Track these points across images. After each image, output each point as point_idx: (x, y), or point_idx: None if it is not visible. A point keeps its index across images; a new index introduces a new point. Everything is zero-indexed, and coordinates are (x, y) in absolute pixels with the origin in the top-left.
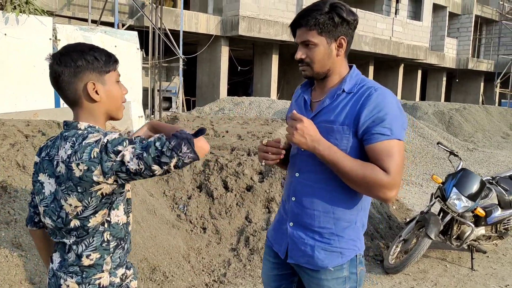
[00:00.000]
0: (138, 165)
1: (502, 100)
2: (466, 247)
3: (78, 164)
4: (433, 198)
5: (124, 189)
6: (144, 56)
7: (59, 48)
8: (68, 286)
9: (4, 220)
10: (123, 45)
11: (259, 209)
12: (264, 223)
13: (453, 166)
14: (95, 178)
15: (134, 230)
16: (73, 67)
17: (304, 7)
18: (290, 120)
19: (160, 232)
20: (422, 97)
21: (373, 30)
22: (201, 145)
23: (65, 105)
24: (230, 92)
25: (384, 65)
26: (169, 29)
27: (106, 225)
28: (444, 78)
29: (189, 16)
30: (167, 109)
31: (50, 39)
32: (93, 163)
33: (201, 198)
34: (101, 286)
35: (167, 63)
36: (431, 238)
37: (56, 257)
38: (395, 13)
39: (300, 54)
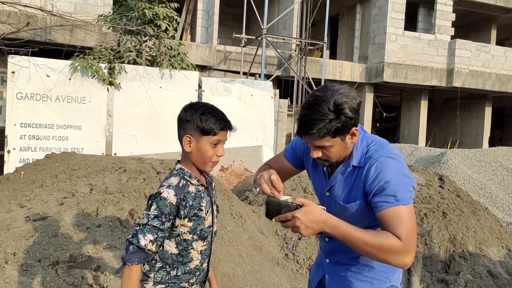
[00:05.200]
0: None
1: None
2: None
3: None
4: None
5: (175, 230)
6: (289, 104)
7: (203, 97)
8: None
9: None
10: (258, 94)
11: None
12: None
13: None
14: None
15: (236, 262)
16: (183, 119)
17: (456, 51)
18: (283, 221)
19: (263, 268)
20: None
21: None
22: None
23: None
24: None
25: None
26: (314, 78)
27: (160, 249)
28: None
29: (334, 65)
30: None
31: (196, 90)
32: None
33: (311, 239)
34: None
35: None
36: None
37: None
38: None
39: (315, 155)
